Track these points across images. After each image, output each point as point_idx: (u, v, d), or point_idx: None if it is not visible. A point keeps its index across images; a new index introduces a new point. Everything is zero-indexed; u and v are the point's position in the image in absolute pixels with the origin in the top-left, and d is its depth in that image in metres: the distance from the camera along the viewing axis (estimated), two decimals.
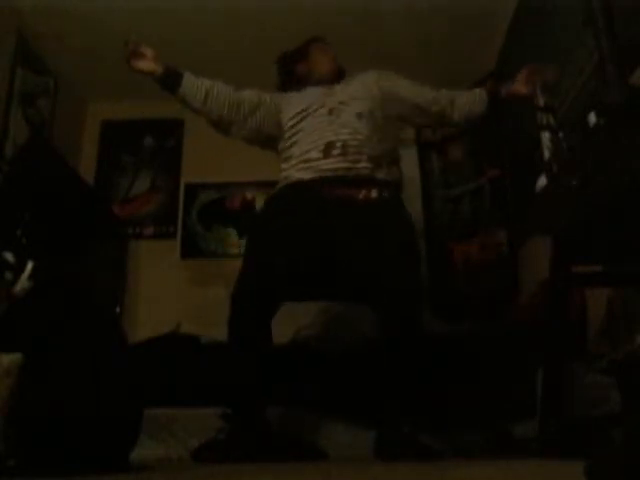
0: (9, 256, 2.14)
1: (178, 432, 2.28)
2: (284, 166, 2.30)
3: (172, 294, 3.81)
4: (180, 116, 4.21)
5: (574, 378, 1.92)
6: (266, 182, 3.98)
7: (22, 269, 2.18)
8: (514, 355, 2.41)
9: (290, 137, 2.32)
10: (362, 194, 2.16)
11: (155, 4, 3.42)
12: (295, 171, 2.24)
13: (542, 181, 1.75)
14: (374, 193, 2.17)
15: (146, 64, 2.25)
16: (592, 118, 1.43)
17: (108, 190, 4.17)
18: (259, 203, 4.11)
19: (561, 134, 1.79)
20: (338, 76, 2.48)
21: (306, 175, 2.21)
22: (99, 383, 1.46)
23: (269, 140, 2.43)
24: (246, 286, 2.14)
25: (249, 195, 4.13)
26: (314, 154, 2.22)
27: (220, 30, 3.62)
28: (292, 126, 2.33)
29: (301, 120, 2.32)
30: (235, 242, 4.06)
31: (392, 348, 2.04)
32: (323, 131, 2.25)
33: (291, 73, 2.55)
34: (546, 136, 1.82)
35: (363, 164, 2.20)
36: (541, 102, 1.93)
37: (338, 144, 2.21)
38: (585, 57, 2.23)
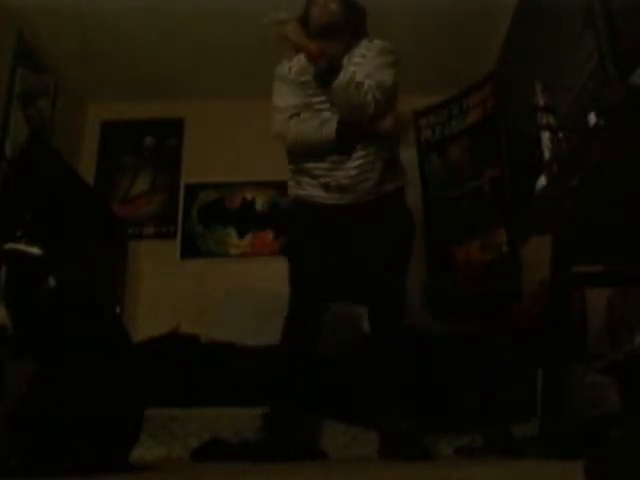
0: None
1: (178, 432, 2.28)
2: None
3: (172, 294, 3.80)
4: (180, 116, 4.24)
5: (574, 378, 1.92)
6: (266, 182, 4.00)
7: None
8: (514, 355, 2.41)
9: None
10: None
11: (155, 4, 3.42)
12: None
13: (542, 181, 1.75)
14: None
15: None
16: (592, 118, 1.43)
17: (108, 190, 4.17)
18: (259, 203, 4.11)
19: (561, 134, 1.79)
20: None
21: None
22: (99, 383, 1.46)
23: None
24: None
25: (249, 195, 4.12)
26: None
27: (220, 30, 3.62)
28: None
29: None
30: (235, 242, 4.06)
31: (380, 342, 2.13)
32: None
33: None
34: (546, 136, 1.82)
35: None
36: (541, 102, 1.93)
37: None
38: (585, 57, 2.23)
